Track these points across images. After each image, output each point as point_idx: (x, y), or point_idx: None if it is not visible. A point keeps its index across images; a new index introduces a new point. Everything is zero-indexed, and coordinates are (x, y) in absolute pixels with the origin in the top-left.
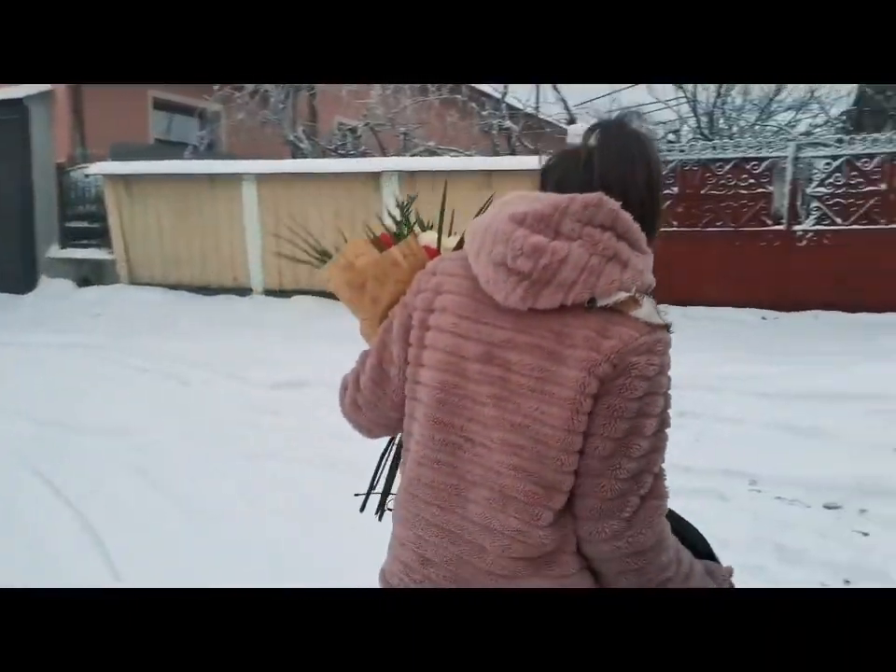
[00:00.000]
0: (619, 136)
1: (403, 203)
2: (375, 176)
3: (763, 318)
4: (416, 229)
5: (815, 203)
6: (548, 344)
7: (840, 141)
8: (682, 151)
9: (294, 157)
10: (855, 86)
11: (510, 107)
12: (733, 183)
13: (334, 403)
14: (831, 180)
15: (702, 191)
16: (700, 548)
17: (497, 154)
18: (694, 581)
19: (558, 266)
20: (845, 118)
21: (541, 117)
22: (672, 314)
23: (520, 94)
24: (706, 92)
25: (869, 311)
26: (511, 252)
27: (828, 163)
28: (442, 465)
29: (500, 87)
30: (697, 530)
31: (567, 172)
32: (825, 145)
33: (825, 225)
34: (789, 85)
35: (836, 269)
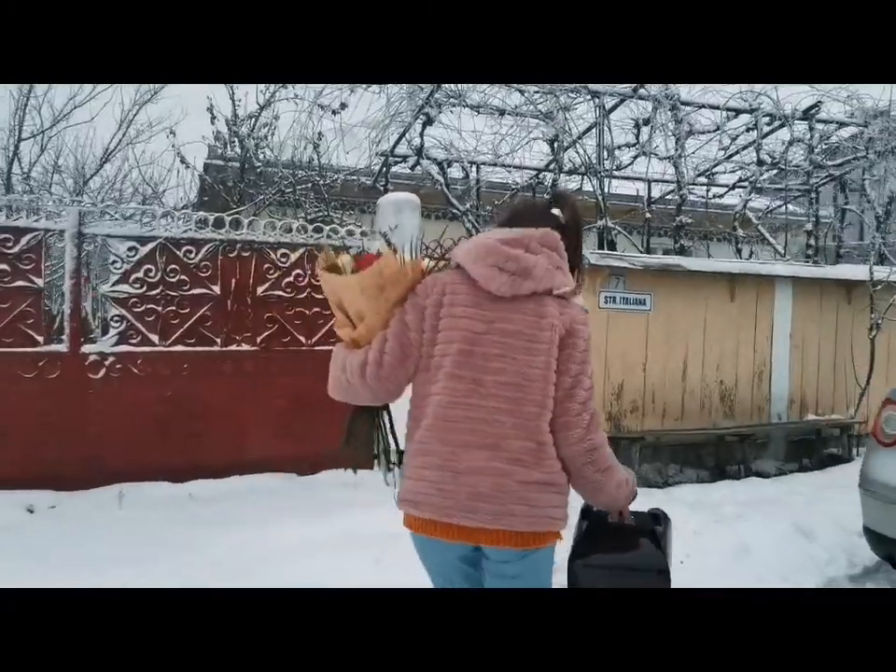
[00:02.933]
0: (568, 201)
1: (387, 231)
2: None
3: (31, 511)
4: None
5: (115, 311)
6: (530, 318)
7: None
8: None
9: None
10: (198, 177)
11: None
12: None
13: None
14: (140, 274)
15: None
16: None
17: None
18: (622, 468)
19: (532, 268)
20: (190, 208)
21: None
22: None
23: None
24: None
25: (218, 475)
26: (501, 259)
27: (132, 248)
28: (465, 404)
29: None
30: None
31: (527, 215)
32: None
33: (134, 345)
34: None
35: (158, 412)
